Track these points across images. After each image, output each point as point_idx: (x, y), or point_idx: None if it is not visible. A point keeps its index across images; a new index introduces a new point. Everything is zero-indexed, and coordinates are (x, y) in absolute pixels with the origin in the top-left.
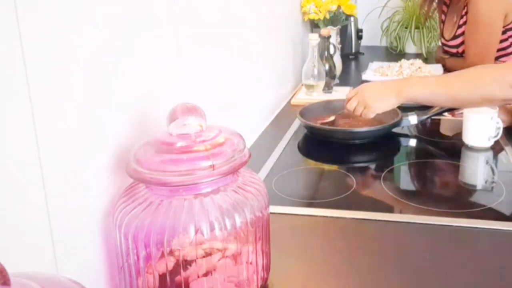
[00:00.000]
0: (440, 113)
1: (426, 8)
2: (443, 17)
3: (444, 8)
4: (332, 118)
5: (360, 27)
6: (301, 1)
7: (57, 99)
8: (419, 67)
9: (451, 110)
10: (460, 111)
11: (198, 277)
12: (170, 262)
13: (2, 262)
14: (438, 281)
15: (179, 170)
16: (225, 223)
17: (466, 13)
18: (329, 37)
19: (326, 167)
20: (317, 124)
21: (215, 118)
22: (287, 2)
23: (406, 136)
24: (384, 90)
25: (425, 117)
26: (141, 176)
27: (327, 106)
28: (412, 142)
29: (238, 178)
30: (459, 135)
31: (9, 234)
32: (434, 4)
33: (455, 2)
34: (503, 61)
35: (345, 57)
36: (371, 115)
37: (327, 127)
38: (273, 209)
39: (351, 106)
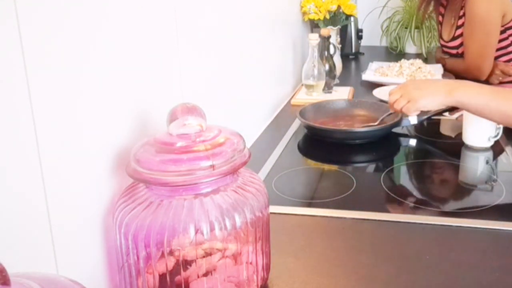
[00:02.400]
0: (440, 113)
1: (423, 10)
2: (440, 18)
3: (441, 10)
4: (376, 123)
5: (360, 27)
6: (301, 1)
7: (57, 99)
8: (419, 67)
9: (451, 110)
10: (460, 112)
11: (198, 277)
12: (170, 262)
13: (2, 262)
14: (438, 281)
15: (179, 170)
16: (225, 223)
17: (464, 14)
18: (329, 37)
19: (326, 167)
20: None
21: (215, 118)
22: (287, 2)
23: (406, 136)
24: (433, 86)
25: (425, 117)
26: (141, 176)
27: (327, 106)
28: (412, 142)
29: (238, 178)
30: (459, 135)
31: (9, 234)
32: (431, 6)
33: (452, 3)
34: (503, 61)
35: (345, 57)
36: (414, 112)
37: (327, 127)
38: (273, 209)
39: (392, 98)
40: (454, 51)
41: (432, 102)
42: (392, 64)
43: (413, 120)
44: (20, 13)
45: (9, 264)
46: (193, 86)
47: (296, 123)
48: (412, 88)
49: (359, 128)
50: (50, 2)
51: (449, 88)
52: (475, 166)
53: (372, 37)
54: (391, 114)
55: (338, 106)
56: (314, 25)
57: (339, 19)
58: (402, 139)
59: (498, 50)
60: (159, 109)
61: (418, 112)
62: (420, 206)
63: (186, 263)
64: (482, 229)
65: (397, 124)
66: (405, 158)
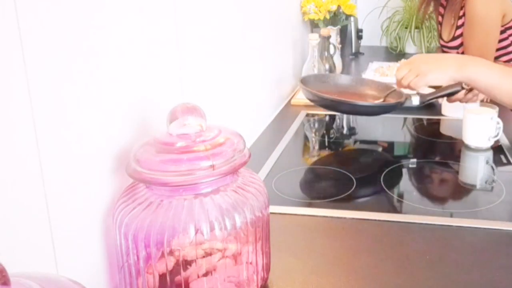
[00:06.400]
0: (441, 96)
1: (423, 10)
2: (440, 18)
3: (441, 10)
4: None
5: (360, 27)
6: (301, 1)
7: (57, 99)
8: None
9: (452, 94)
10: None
11: (198, 277)
12: (170, 262)
13: (2, 262)
14: (438, 281)
15: (179, 170)
16: (225, 223)
17: (464, 14)
18: (329, 37)
19: (326, 167)
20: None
21: (215, 118)
22: (287, 2)
23: (406, 135)
24: (443, 61)
25: (427, 98)
26: (141, 176)
27: (330, 81)
28: (412, 142)
29: (238, 178)
30: (459, 135)
31: (9, 234)
32: (431, 7)
33: (452, 3)
34: (503, 61)
35: (345, 57)
36: (421, 86)
37: (333, 97)
38: (273, 209)
39: (400, 73)
40: (454, 51)
41: (441, 76)
42: (392, 64)
43: (415, 101)
44: (20, 13)
45: (9, 264)
46: (193, 86)
47: (296, 123)
48: (420, 62)
49: (364, 102)
50: (51, 2)
51: (460, 63)
52: (475, 166)
53: (372, 37)
54: (394, 91)
55: (342, 82)
56: (314, 25)
57: (339, 19)
58: (402, 139)
59: (498, 50)
60: (159, 109)
61: (425, 86)
62: (420, 206)
63: (186, 263)
64: (482, 229)
65: (401, 104)
66: (405, 158)
